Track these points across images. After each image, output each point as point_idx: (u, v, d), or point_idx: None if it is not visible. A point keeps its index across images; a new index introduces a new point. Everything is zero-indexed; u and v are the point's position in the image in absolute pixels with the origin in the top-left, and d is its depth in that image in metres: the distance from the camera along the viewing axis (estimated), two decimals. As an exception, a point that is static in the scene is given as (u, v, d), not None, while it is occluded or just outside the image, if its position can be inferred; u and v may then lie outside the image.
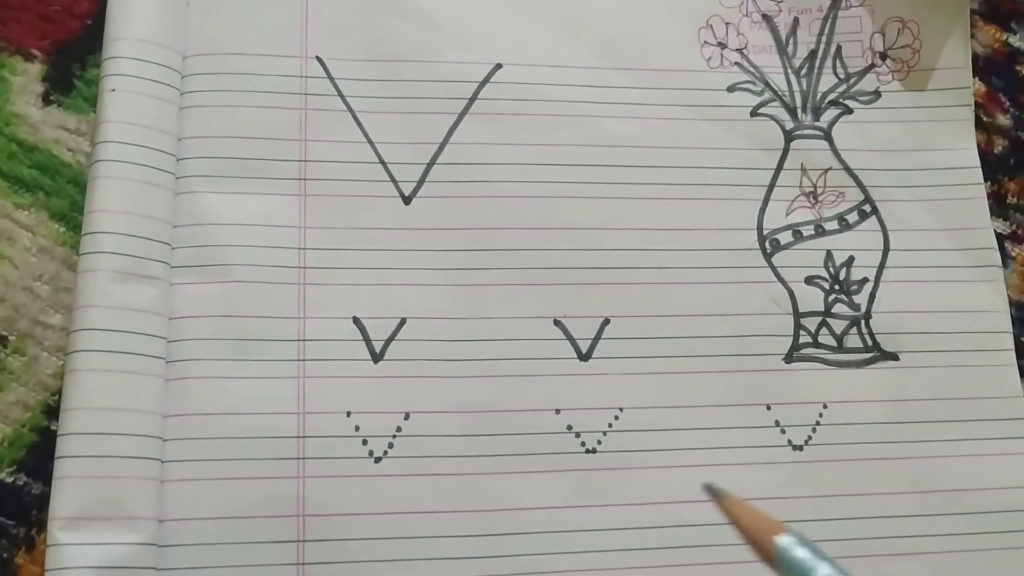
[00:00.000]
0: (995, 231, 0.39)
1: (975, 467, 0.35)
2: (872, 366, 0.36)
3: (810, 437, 0.35)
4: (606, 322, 0.35)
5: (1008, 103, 0.41)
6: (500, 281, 0.35)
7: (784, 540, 0.20)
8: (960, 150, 0.39)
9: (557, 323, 0.35)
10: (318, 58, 0.37)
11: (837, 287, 0.37)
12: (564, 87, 0.38)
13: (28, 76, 0.36)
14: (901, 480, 0.35)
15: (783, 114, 0.39)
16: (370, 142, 0.36)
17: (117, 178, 0.33)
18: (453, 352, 0.34)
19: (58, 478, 0.31)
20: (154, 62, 0.35)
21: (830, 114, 0.39)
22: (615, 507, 0.33)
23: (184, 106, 0.35)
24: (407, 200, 0.36)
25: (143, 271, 0.33)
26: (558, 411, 0.34)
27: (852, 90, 0.39)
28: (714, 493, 0.21)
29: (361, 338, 0.34)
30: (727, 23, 0.40)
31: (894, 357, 0.36)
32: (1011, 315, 0.38)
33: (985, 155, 0.40)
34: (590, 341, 0.35)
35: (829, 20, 0.40)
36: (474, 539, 0.32)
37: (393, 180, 0.36)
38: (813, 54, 0.40)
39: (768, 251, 0.37)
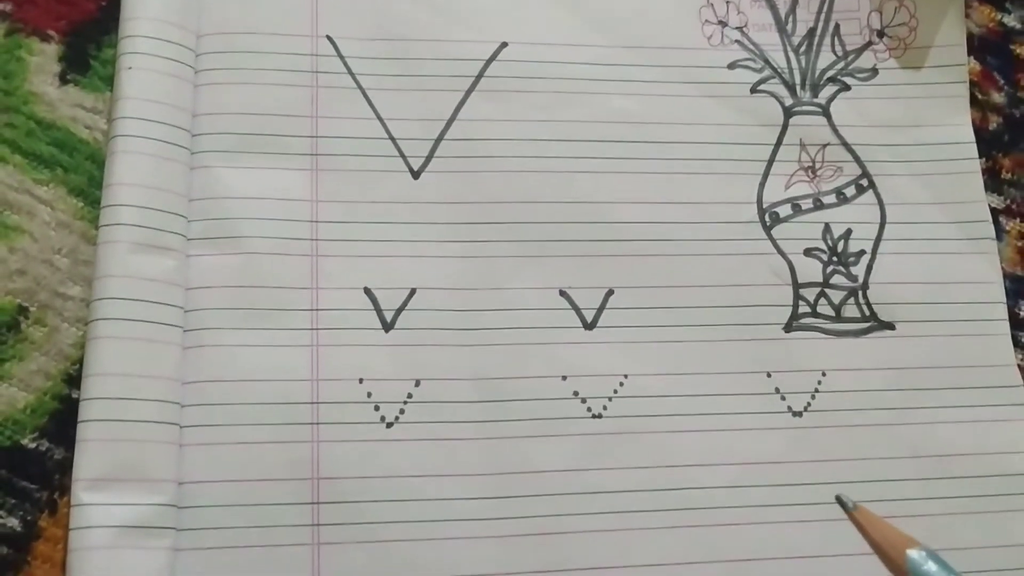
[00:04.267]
0: (989, 205, 0.39)
1: (969, 433, 0.36)
2: (869, 335, 0.37)
3: (809, 404, 0.36)
4: (610, 292, 0.36)
5: (1002, 81, 0.42)
6: (507, 253, 0.36)
7: (915, 554, 0.20)
8: (955, 126, 0.40)
9: (563, 293, 0.36)
10: (328, 37, 0.37)
11: (835, 259, 0.38)
12: (568, 65, 0.39)
13: (45, 56, 0.37)
14: (898, 445, 0.36)
15: (782, 91, 0.40)
16: (380, 119, 0.37)
17: (135, 153, 0.34)
18: (461, 321, 0.35)
19: (81, 441, 0.32)
20: (169, 41, 0.36)
21: (828, 91, 0.40)
22: (620, 470, 0.34)
23: (199, 84, 0.36)
24: (416, 175, 0.37)
25: (160, 243, 0.34)
26: (564, 378, 0.35)
27: (850, 67, 0.40)
28: (844, 505, 0.22)
29: (372, 308, 0.35)
30: (728, 2, 0.40)
31: (890, 326, 0.37)
32: (1005, 287, 0.38)
33: (980, 131, 0.41)
34: (595, 311, 0.36)
35: (827, -1, 0.41)
36: (483, 501, 0.33)
37: (402, 155, 0.37)
38: (812, 32, 0.40)
39: (768, 224, 0.38)
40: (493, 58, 0.38)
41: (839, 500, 0.21)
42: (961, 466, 0.36)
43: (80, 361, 0.33)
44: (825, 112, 0.40)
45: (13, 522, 0.32)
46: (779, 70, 0.40)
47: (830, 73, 0.40)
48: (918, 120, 0.40)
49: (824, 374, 0.36)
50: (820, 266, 0.38)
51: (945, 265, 0.38)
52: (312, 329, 0.34)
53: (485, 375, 0.35)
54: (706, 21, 0.40)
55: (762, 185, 0.38)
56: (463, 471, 0.34)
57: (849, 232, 0.38)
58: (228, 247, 0.35)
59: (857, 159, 0.39)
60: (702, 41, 0.40)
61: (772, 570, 0.34)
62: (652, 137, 0.38)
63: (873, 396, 0.36)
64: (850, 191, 0.39)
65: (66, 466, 0.32)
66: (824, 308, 0.37)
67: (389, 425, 0.34)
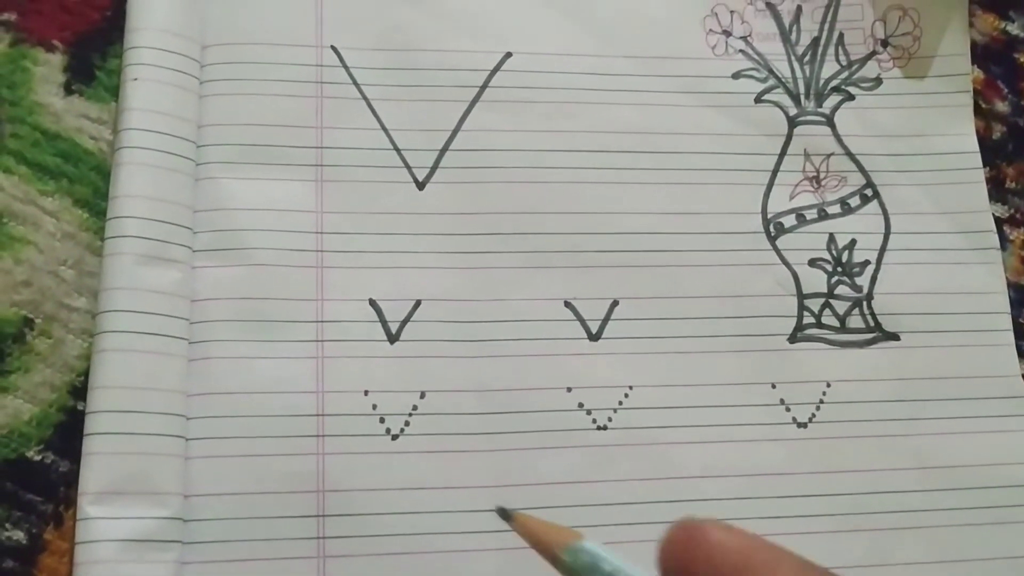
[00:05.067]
0: (994, 215, 0.39)
1: (975, 444, 0.36)
2: (874, 346, 0.37)
3: (814, 415, 0.36)
4: (615, 303, 0.36)
5: (1006, 90, 0.42)
6: (512, 264, 0.36)
7: (569, 551, 0.20)
8: (959, 135, 0.40)
9: (567, 304, 0.36)
10: (333, 47, 0.38)
11: (840, 269, 0.38)
12: (572, 75, 0.39)
13: (50, 67, 0.37)
14: (903, 457, 0.36)
15: (786, 100, 0.40)
16: (384, 129, 0.37)
17: (140, 164, 0.34)
18: (467, 333, 0.35)
19: (87, 454, 0.32)
20: (174, 52, 0.36)
21: (832, 100, 0.40)
22: (625, 482, 0.34)
23: (204, 94, 0.36)
24: (421, 185, 0.37)
25: (166, 254, 0.34)
26: (569, 389, 0.35)
27: (854, 77, 0.40)
28: (505, 515, 0.22)
29: (377, 319, 0.35)
30: (732, 11, 0.40)
31: (895, 337, 0.37)
32: (1009, 296, 0.38)
33: (984, 141, 0.40)
34: (599, 322, 0.36)
35: (831, 8, 0.41)
36: (488, 513, 0.33)
37: (407, 166, 0.37)
38: (816, 41, 0.41)
39: (772, 234, 0.38)
40: (498, 68, 0.38)
41: (499, 512, 0.21)
42: (967, 477, 0.36)
43: (85, 373, 0.33)
44: (829, 122, 0.40)
45: (19, 535, 0.32)
46: (783, 80, 0.40)
47: (834, 83, 0.40)
48: (922, 130, 0.40)
49: (829, 385, 0.36)
50: (825, 277, 0.38)
51: (949, 275, 0.38)
52: (317, 341, 0.34)
53: (490, 387, 0.35)
54: (710, 31, 0.40)
55: (766, 195, 0.38)
56: (468, 483, 0.34)
57: (854, 242, 0.38)
58: (233, 259, 0.35)
59: (861, 169, 0.39)
60: (706, 51, 0.40)
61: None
62: (657, 147, 0.38)
63: (878, 407, 0.36)
64: (854, 201, 0.39)
65: (71, 479, 0.32)
66: (829, 319, 0.37)
67: (394, 437, 0.34)
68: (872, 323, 0.37)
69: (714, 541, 0.19)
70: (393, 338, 0.35)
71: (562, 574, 0.21)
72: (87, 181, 0.36)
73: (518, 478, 0.34)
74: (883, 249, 0.38)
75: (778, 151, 0.39)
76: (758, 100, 0.39)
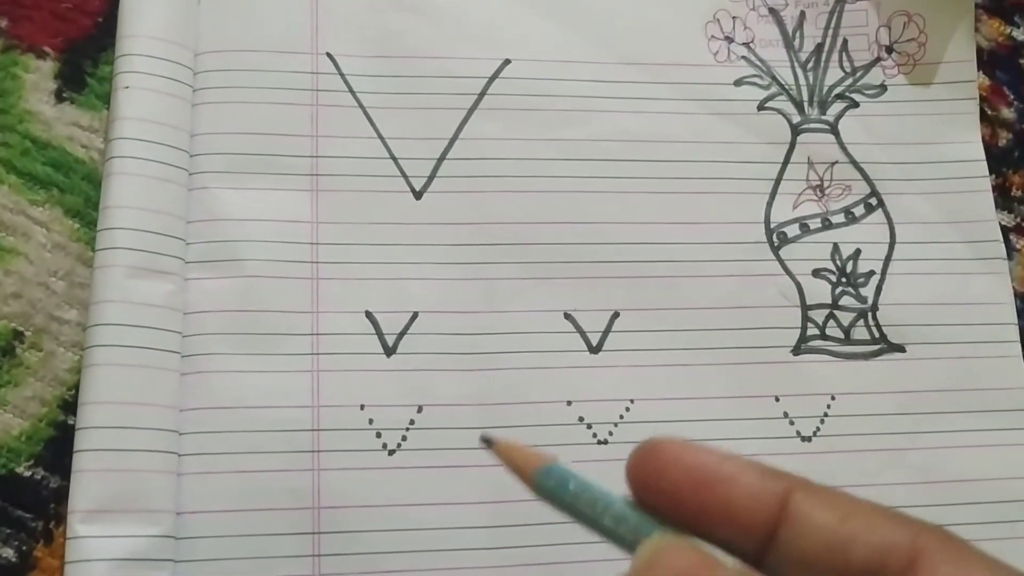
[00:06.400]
0: (1000, 223, 0.39)
1: (981, 457, 0.36)
2: (879, 358, 0.37)
3: (818, 428, 0.35)
4: (615, 315, 0.36)
5: (1012, 96, 0.41)
6: (510, 275, 0.36)
7: (539, 470, 0.21)
8: (965, 143, 0.40)
9: (567, 316, 0.35)
10: (329, 54, 0.37)
11: (844, 279, 0.37)
12: (572, 82, 0.38)
13: (41, 74, 0.36)
14: (908, 471, 0.35)
15: (790, 108, 0.39)
16: (381, 138, 0.36)
17: (131, 174, 0.34)
18: (465, 345, 0.35)
19: (77, 471, 0.31)
20: (167, 59, 0.35)
21: (836, 108, 0.39)
22: (626, 498, 0.34)
23: (197, 103, 0.36)
24: (418, 195, 0.36)
25: (158, 266, 0.33)
26: (569, 403, 0.35)
27: (858, 84, 0.40)
28: (487, 442, 0.22)
29: (374, 332, 0.34)
30: (734, 17, 0.40)
31: (901, 349, 0.37)
32: (1016, 307, 0.38)
33: (989, 148, 0.40)
34: (600, 334, 0.35)
35: (835, 14, 0.40)
36: (487, 530, 0.33)
37: (404, 175, 0.36)
38: (819, 48, 0.40)
39: (776, 244, 0.37)
40: (496, 76, 0.38)
41: (483, 439, 0.22)
42: (974, 491, 0.35)
43: (76, 387, 0.33)
44: (833, 129, 0.39)
45: (8, 552, 0.32)
46: (786, 87, 0.39)
47: (838, 90, 0.40)
48: (927, 137, 0.39)
49: (833, 398, 0.36)
50: (829, 287, 0.37)
51: (956, 286, 0.38)
52: (312, 354, 0.34)
53: (488, 401, 0.34)
54: (712, 37, 0.39)
55: (770, 204, 0.38)
56: (466, 499, 0.33)
57: (858, 252, 0.38)
58: (227, 270, 0.34)
59: (866, 177, 0.39)
60: (708, 57, 0.39)
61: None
62: (658, 156, 0.38)
63: (883, 420, 0.36)
64: (859, 210, 0.38)
65: (62, 494, 0.32)
66: (833, 330, 0.37)
67: (391, 452, 0.33)
68: (877, 334, 0.37)
69: (675, 458, 0.20)
70: (390, 351, 0.34)
71: (536, 495, 0.21)
72: (78, 191, 0.35)
73: (517, 494, 0.33)
74: (888, 259, 0.38)
75: (781, 159, 0.38)
76: (761, 107, 0.39)
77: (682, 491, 0.20)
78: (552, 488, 0.21)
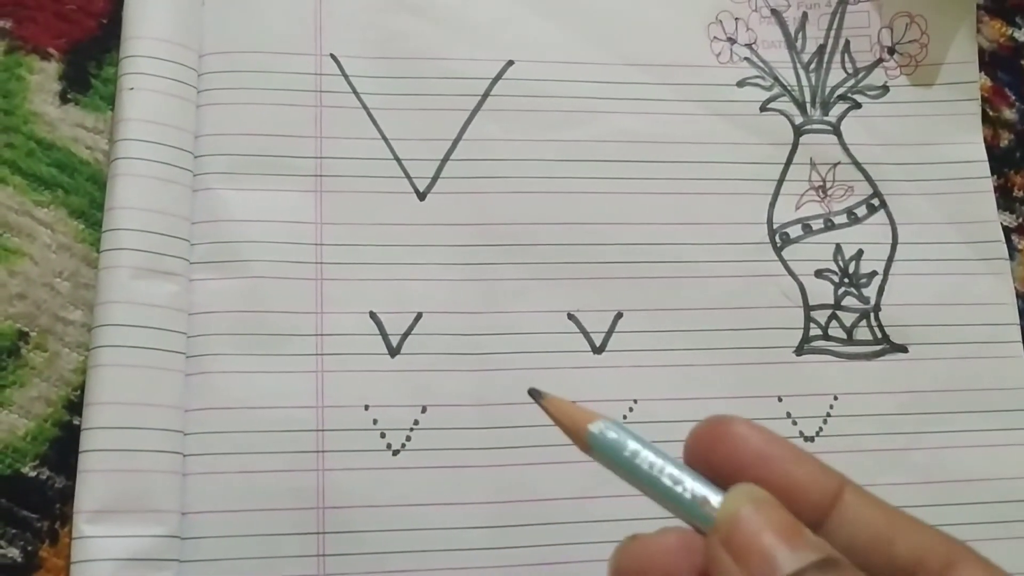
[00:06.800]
0: (1001, 224, 0.39)
1: (984, 457, 0.36)
2: (881, 358, 0.37)
3: (821, 428, 0.36)
4: (619, 316, 0.36)
5: (1014, 97, 0.41)
6: (514, 276, 0.36)
7: (596, 426, 0.21)
8: (967, 144, 0.40)
9: (571, 317, 0.36)
10: (332, 55, 0.37)
11: (846, 280, 0.37)
12: (575, 83, 0.38)
13: (45, 75, 0.37)
14: (911, 470, 0.35)
15: (792, 109, 0.39)
16: (385, 139, 0.36)
17: (136, 175, 0.34)
18: (469, 346, 0.35)
19: (83, 472, 0.31)
20: (171, 60, 0.35)
21: (839, 108, 0.39)
22: (631, 498, 0.34)
23: (201, 104, 0.36)
24: (422, 196, 0.36)
25: (162, 267, 0.33)
26: (573, 403, 0.34)
27: (860, 84, 0.40)
28: (536, 395, 0.22)
29: (378, 332, 0.34)
30: (736, 18, 0.40)
31: (903, 349, 0.37)
32: (1018, 307, 0.38)
33: (991, 149, 0.40)
34: (603, 334, 0.36)
35: (837, 15, 0.40)
36: (491, 530, 0.33)
37: (408, 176, 0.36)
38: (822, 49, 0.40)
39: (778, 245, 0.37)
40: (499, 77, 0.38)
41: (531, 392, 0.22)
42: (976, 492, 0.35)
43: (81, 387, 0.33)
44: (836, 130, 0.39)
45: (14, 552, 0.32)
46: (789, 88, 0.39)
47: (840, 91, 0.40)
48: (929, 138, 0.39)
49: (836, 398, 0.36)
50: (831, 288, 0.37)
51: (958, 286, 0.38)
52: (317, 355, 0.34)
53: (492, 401, 0.34)
54: (715, 38, 0.40)
55: (772, 205, 0.38)
56: (470, 499, 0.33)
57: (861, 253, 0.38)
58: (231, 271, 0.34)
59: (868, 178, 0.39)
60: (711, 59, 0.39)
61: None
62: (661, 157, 0.38)
63: (886, 420, 0.36)
64: (861, 211, 0.38)
65: (67, 495, 0.32)
66: (836, 331, 0.37)
67: (395, 452, 0.33)
68: (879, 335, 0.37)
69: (737, 433, 0.21)
70: (394, 351, 0.34)
71: (587, 453, 0.22)
72: (83, 192, 0.35)
73: (521, 494, 0.33)
74: (890, 259, 0.38)
75: (784, 160, 0.38)
76: (763, 108, 0.39)
77: (745, 465, 0.20)
78: (607, 445, 0.21)
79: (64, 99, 0.36)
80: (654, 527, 0.33)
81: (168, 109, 0.35)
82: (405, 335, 0.34)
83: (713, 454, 0.21)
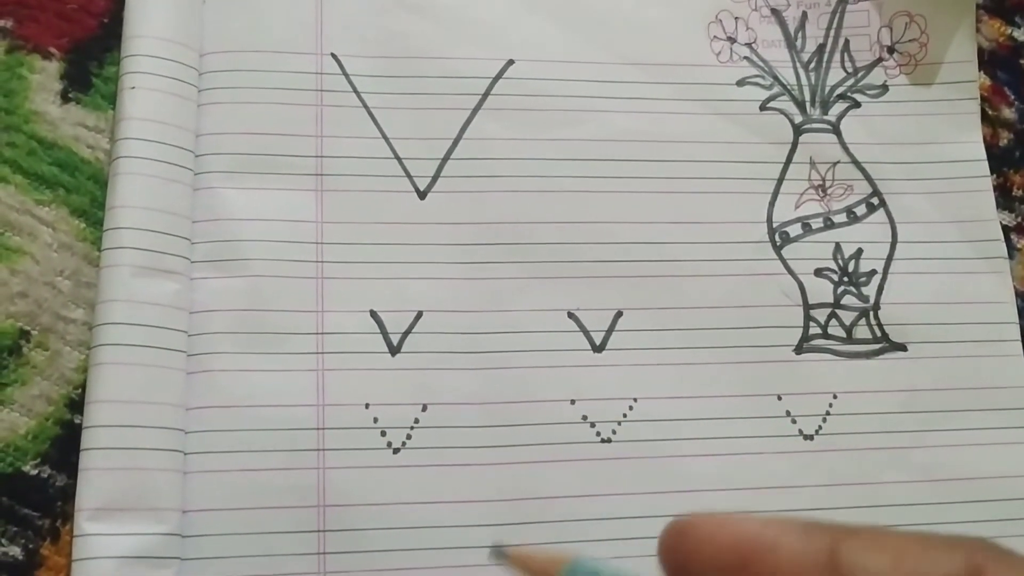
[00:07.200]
0: (1001, 223, 0.39)
1: (983, 456, 0.36)
2: (881, 357, 0.37)
3: (820, 427, 0.36)
4: (619, 314, 0.36)
5: (1013, 96, 0.41)
6: (515, 274, 0.36)
7: (567, 567, 0.20)
8: (966, 143, 0.40)
9: (571, 315, 0.36)
10: (333, 55, 0.37)
11: (846, 279, 0.38)
12: (575, 82, 0.38)
13: (46, 74, 0.37)
14: (910, 469, 0.35)
15: (792, 108, 0.39)
16: (385, 138, 0.37)
17: (137, 174, 0.34)
18: (469, 344, 0.35)
19: (84, 470, 0.31)
20: (172, 59, 0.35)
21: (838, 108, 0.39)
22: (630, 495, 0.34)
23: (202, 103, 0.36)
24: (422, 195, 0.36)
25: (164, 266, 0.33)
26: (573, 402, 0.35)
27: (860, 84, 0.40)
28: (499, 556, 0.22)
29: (378, 331, 0.34)
30: (736, 17, 0.40)
31: (902, 348, 0.37)
32: (1017, 305, 0.38)
33: (990, 148, 0.40)
34: (603, 333, 0.36)
35: (837, 14, 0.40)
36: (491, 528, 0.33)
37: (408, 175, 0.36)
38: (821, 48, 0.40)
39: (778, 243, 0.38)
40: (500, 76, 0.38)
41: (494, 554, 0.21)
42: (976, 490, 0.35)
43: (82, 385, 0.33)
44: (835, 129, 0.39)
45: (15, 550, 0.32)
46: (788, 87, 0.39)
47: (840, 90, 0.40)
48: (929, 137, 0.40)
49: (835, 396, 0.36)
50: (831, 286, 0.37)
51: (957, 285, 0.38)
52: (317, 353, 0.34)
53: (492, 399, 0.34)
54: (715, 37, 0.40)
55: (772, 204, 0.38)
56: (470, 498, 0.33)
57: (860, 251, 0.38)
58: (232, 270, 0.34)
59: (868, 177, 0.39)
60: (711, 58, 0.39)
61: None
62: (661, 156, 0.38)
63: (885, 419, 0.36)
64: (861, 210, 0.38)
65: (68, 493, 0.32)
66: (835, 329, 0.37)
67: (396, 451, 0.33)
68: (879, 333, 0.37)
69: (710, 536, 0.19)
70: (394, 350, 0.34)
71: None
72: (84, 191, 0.35)
73: (521, 492, 0.33)
74: (890, 258, 0.38)
75: (783, 159, 0.38)
76: (763, 107, 0.39)
77: (723, 568, 0.19)
78: None
79: (65, 98, 0.36)
80: (654, 527, 0.33)
81: (169, 108, 0.35)
82: (406, 334, 0.35)
83: (688, 561, 0.19)
